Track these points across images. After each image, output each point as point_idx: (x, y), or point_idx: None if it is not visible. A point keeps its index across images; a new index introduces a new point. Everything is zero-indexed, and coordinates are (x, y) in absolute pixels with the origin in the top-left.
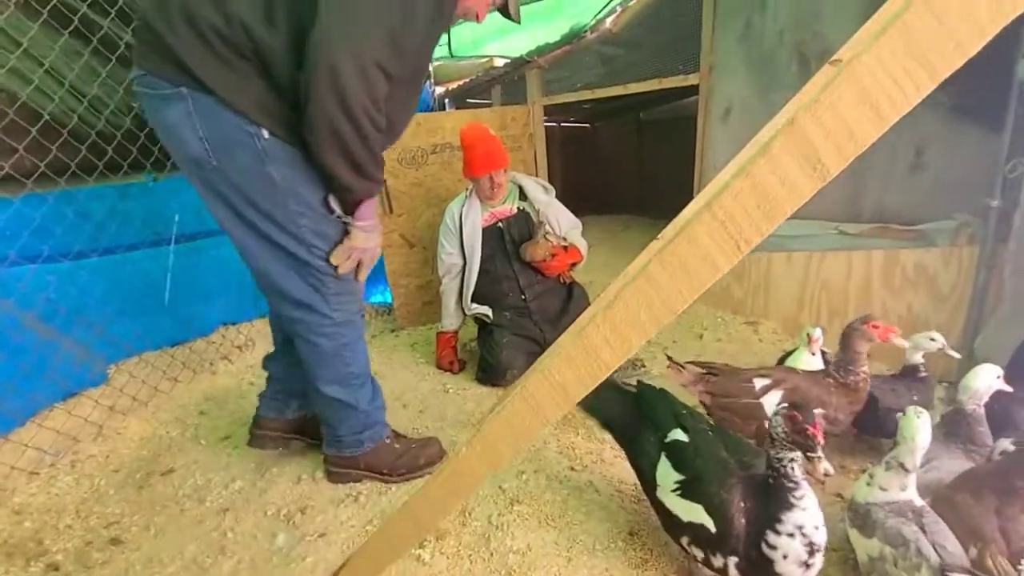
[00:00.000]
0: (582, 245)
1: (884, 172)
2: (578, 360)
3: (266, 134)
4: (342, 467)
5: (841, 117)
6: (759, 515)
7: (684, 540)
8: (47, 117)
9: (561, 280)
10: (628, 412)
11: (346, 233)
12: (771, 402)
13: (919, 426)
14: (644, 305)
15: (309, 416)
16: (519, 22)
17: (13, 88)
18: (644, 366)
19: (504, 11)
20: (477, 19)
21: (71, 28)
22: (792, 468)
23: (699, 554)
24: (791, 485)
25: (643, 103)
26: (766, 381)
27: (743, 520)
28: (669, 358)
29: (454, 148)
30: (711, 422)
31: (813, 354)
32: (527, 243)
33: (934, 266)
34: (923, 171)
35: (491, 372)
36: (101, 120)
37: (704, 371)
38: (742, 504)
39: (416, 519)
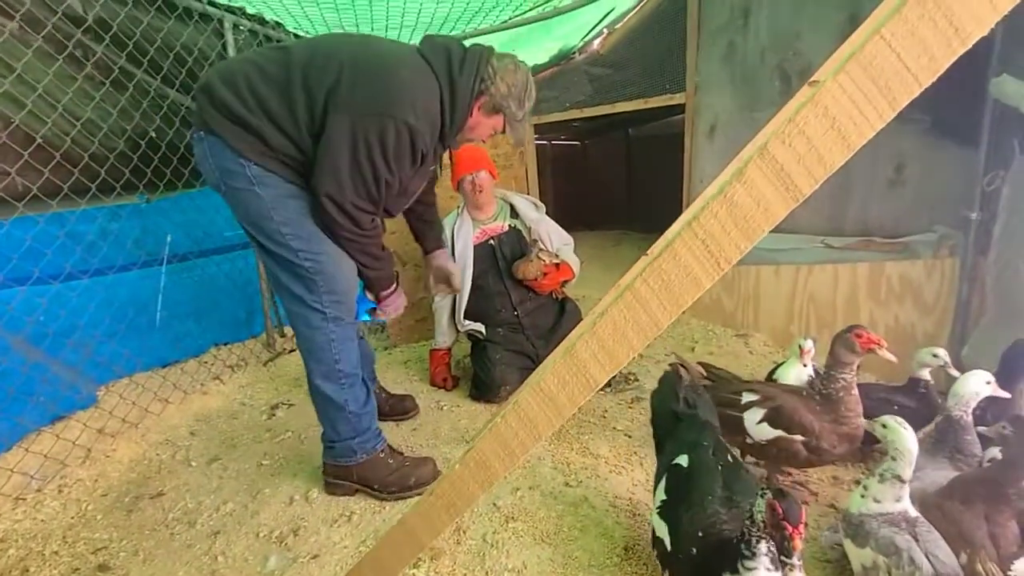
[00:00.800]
0: (574, 262)
1: (867, 187)
2: (568, 376)
3: (253, 165)
4: (337, 477)
5: (810, 142)
6: (712, 556)
7: (655, 554)
8: (39, 140)
9: (554, 296)
10: (666, 433)
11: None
12: (752, 419)
13: (908, 436)
14: (631, 321)
15: (384, 397)
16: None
17: (6, 112)
18: (637, 380)
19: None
20: (483, 142)
21: (65, 53)
22: (756, 542)
23: (661, 569)
24: (747, 554)
25: (631, 121)
26: (753, 397)
27: (693, 550)
28: (677, 358)
29: (444, 165)
30: (732, 457)
31: (804, 366)
32: (519, 261)
33: (918, 278)
34: (904, 185)
35: (485, 389)
36: (95, 143)
37: (705, 375)
38: (699, 535)
39: (410, 538)
